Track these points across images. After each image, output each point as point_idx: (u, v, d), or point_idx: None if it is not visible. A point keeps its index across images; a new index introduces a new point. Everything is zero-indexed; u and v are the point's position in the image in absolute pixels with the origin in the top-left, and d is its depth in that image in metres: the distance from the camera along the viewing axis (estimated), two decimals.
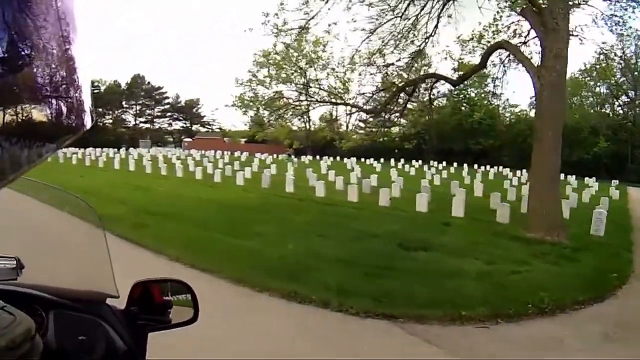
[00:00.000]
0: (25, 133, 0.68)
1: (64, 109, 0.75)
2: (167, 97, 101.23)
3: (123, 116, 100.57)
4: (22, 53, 0.64)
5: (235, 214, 18.07)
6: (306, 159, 66.18)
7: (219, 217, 17.30)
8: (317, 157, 72.87)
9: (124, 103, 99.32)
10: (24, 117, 0.66)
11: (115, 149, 68.41)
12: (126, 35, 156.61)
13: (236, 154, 66.60)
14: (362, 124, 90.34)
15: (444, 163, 64.82)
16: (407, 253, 13.15)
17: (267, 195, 24.96)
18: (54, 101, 0.73)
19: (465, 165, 61.20)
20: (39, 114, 0.70)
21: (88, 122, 0.82)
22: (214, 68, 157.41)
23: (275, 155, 67.93)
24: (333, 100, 25.90)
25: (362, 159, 66.82)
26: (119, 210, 17.01)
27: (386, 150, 78.08)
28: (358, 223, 17.29)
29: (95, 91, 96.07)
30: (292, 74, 26.42)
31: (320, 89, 26.42)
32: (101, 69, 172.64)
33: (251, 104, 27.28)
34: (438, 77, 24.70)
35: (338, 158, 70.08)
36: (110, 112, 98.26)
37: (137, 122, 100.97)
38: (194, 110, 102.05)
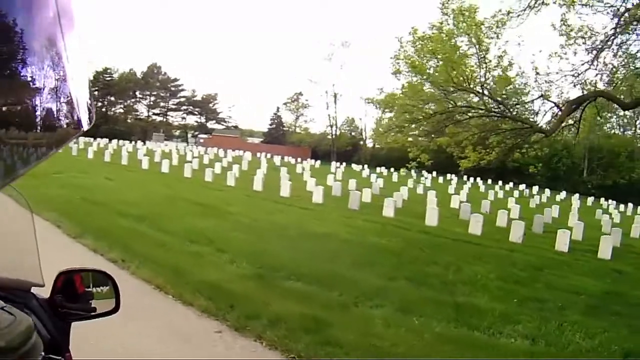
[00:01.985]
0: (25, 133, 0.68)
1: (64, 109, 0.75)
2: (182, 90, 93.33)
3: (135, 106, 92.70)
4: (22, 53, 0.63)
5: (394, 270, 11.47)
6: (334, 166, 57.94)
7: (379, 275, 10.81)
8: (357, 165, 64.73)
9: (137, 93, 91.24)
10: (23, 117, 0.67)
11: (128, 141, 62.73)
12: (145, 22, 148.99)
13: (259, 155, 58.51)
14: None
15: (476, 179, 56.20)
16: None
17: (383, 225, 18.34)
18: (53, 101, 0.72)
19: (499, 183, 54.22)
20: (39, 114, 0.69)
21: (88, 122, 0.81)
22: (233, 62, 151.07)
23: (299, 160, 59.92)
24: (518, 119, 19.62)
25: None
26: (234, 275, 9.53)
27: (403, 160, 70.84)
28: (563, 280, 12.52)
29: (108, 78, 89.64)
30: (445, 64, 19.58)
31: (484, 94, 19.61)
32: (116, 55, 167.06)
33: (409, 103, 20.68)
34: (608, 97, 18.28)
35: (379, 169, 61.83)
36: (122, 101, 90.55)
37: (150, 113, 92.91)
38: (210, 105, 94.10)
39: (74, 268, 1.99)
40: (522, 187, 51.63)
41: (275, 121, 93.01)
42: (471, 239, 17.35)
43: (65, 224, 11.93)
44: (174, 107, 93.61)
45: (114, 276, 2.04)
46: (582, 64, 17.29)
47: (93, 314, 1.97)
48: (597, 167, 64.66)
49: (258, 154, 60.68)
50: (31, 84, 0.66)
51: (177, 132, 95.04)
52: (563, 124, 19.81)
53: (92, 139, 57.68)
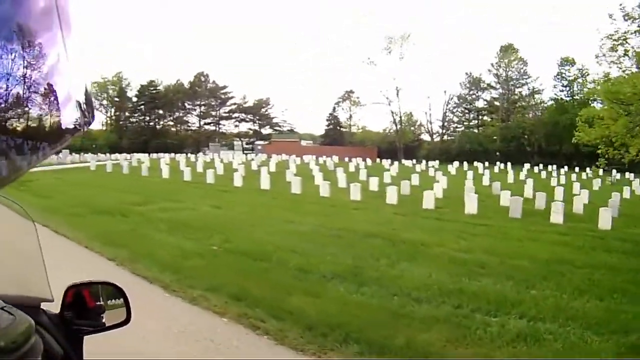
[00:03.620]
0: (25, 133, 0.67)
1: (62, 109, 0.74)
2: (232, 97, 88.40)
3: (185, 117, 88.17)
4: (21, 54, 0.63)
5: None
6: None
7: None
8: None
9: (186, 104, 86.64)
10: (23, 118, 0.66)
11: (183, 154, 59.94)
12: (191, 31, 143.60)
13: (333, 159, 52.78)
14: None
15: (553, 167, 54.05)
16: None
17: (578, 237, 14.48)
18: (51, 101, 0.71)
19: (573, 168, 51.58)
20: (38, 114, 0.68)
21: (87, 122, 0.81)
22: (280, 64, 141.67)
23: (368, 161, 54.36)
24: None
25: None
26: None
27: (475, 153, 66.26)
28: None
29: (153, 91, 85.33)
30: None
31: None
32: (161, 68, 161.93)
33: None
34: None
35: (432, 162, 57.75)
36: (171, 113, 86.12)
37: (202, 123, 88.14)
38: (263, 110, 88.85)
39: (82, 281, 1.89)
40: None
41: (332, 122, 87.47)
42: None
43: (283, 331, 6.29)
44: (225, 115, 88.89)
45: None
46: None
47: (105, 326, 1.85)
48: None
49: (323, 157, 55.10)
50: (29, 83, 0.64)
51: (223, 142, 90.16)
52: None
53: (146, 155, 53.95)
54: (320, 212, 16.80)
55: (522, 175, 39.28)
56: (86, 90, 0.80)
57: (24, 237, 1.89)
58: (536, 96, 78.26)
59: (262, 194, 22.14)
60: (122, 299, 1.91)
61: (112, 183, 26.18)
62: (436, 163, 56.03)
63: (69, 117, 0.74)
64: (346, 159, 52.79)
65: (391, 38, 78.65)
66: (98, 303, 1.87)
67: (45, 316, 1.70)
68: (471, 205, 18.55)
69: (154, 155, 55.74)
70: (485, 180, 33.80)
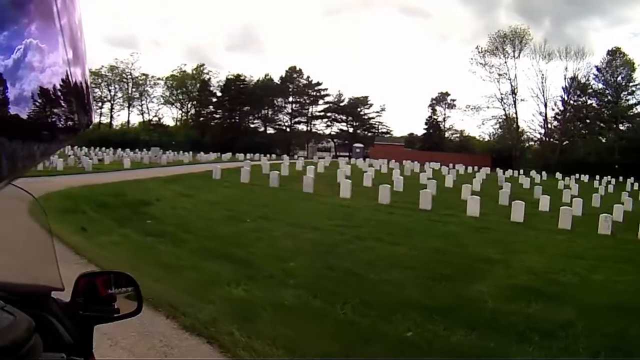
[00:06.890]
0: (27, 131, 0.67)
1: (65, 107, 0.74)
2: (327, 95, 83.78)
3: (275, 116, 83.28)
4: (22, 51, 0.63)
5: None
6: None
7: None
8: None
9: (276, 101, 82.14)
10: (25, 116, 0.66)
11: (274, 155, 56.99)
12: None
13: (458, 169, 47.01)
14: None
15: None
16: None
17: None
18: (55, 99, 0.71)
19: None
20: (41, 112, 0.69)
21: (89, 120, 0.82)
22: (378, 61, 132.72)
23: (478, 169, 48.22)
24: None
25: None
26: None
27: (595, 165, 58.99)
28: None
29: (241, 86, 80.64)
30: None
31: None
32: (251, 64, 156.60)
33: None
34: None
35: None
36: (258, 111, 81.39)
37: (292, 122, 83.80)
38: (358, 110, 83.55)
39: (94, 271, 2.00)
40: None
41: (432, 125, 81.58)
42: None
43: None
44: (319, 114, 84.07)
45: None
46: None
47: (115, 315, 1.83)
48: None
49: (429, 164, 48.80)
50: (32, 82, 0.65)
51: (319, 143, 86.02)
52: None
53: (242, 155, 51.49)
54: None
55: None
56: (87, 89, 0.78)
57: (35, 229, 1.90)
58: None
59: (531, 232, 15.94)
60: (133, 289, 1.87)
61: (290, 211, 16.53)
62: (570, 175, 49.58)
63: (68, 116, 0.73)
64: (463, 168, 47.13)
65: (505, 35, 72.90)
66: (110, 292, 1.82)
67: (56, 304, 1.70)
68: None
69: (253, 156, 51.48)
70: None
